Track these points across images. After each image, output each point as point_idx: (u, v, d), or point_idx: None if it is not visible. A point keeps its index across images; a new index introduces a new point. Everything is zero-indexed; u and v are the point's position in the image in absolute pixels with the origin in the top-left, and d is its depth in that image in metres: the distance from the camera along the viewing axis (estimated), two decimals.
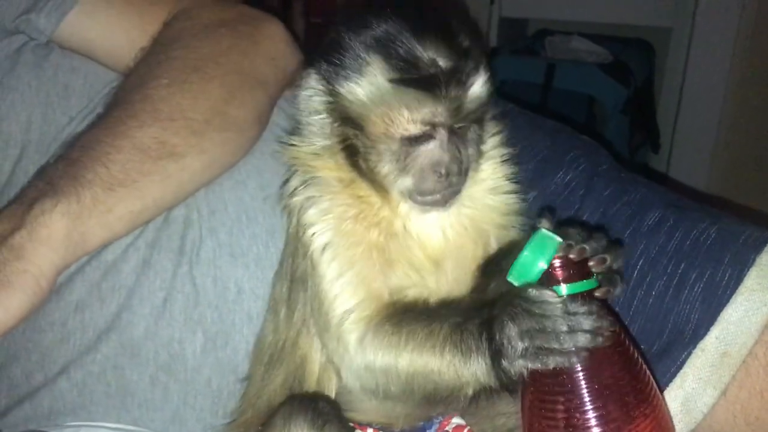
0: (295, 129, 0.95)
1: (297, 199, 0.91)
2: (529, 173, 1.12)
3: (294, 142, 0.93)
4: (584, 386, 0.72)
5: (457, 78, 0.81)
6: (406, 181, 0.85)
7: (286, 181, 0.95)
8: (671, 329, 0.97)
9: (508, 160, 0.96)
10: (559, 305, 0.72)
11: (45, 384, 0.98)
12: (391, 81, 0.81)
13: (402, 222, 0.89)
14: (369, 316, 0.85)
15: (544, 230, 0.75)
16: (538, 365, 0.71)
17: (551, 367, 0.71)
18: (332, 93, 0.85)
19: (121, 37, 1.10)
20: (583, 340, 0.70)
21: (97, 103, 1.06)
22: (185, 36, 1.07)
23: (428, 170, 0.84)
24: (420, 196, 0.86)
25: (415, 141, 0.83)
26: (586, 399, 0.72)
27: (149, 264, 1.02)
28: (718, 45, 2.93)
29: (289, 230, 0.95)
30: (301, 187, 0.92)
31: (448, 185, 0.85)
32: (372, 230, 0.88)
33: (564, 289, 0.74)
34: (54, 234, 0.88)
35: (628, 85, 2.84)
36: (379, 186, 0.88)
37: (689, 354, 0.95)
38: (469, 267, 0.92)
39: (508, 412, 0.94)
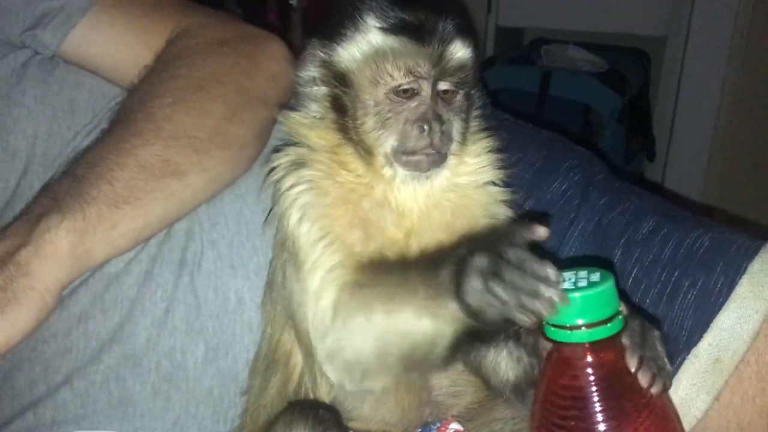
0: (295, 102, 0.98)
1: (281, 164, 0.94)
2: (525, 183, 1.14)
3: (291, 114, 0.96)
4: (596, 420, 0.71)
5: (440, 31, 0.87)
6: (390, 139, 0.88)
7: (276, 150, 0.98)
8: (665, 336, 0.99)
9: (496, 155, 0.97)
10: (527, 264, 0.68)
11: (48, 394, 0.98)
12: (380, 28, 0.86)
13: (383, 189, 0.91)
14: (346, 280, 0.85)
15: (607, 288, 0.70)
16: (487, 305, 0.69)
17: (493, 317, 0.69)
18: (328, 57, 0.91)
19: (125, 53, 1.12)
20: (535, 306, 0.66)
21: (101, 118, 1.08)
22: (188, 54, 1.09)
23: (410, 124, 0.87)
24: (404, 156, 0.88)
25: (399, 96, 0.87)
26: (597, 408, 0.71)
27: (151, 276, 1.03)
28: (713, 54, 2.96)
29: (273, 207, 0.97)
30: (288, 151, 0.94)
31: (430, 143, 0.87)
32: (351, 194, 0.90)
33: (586, 335, 0.70)
34: (59, 250, 0.90)
35: (623, 94, 2.85)
36: (365, 150, 0.90)
37: (683, 360, 0.96)
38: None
39: (505, 417, 0.95)
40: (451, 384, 0.95)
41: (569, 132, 1.67)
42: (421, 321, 0.78)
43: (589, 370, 0.71)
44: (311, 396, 0.95)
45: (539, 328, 0.74)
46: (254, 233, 1.09)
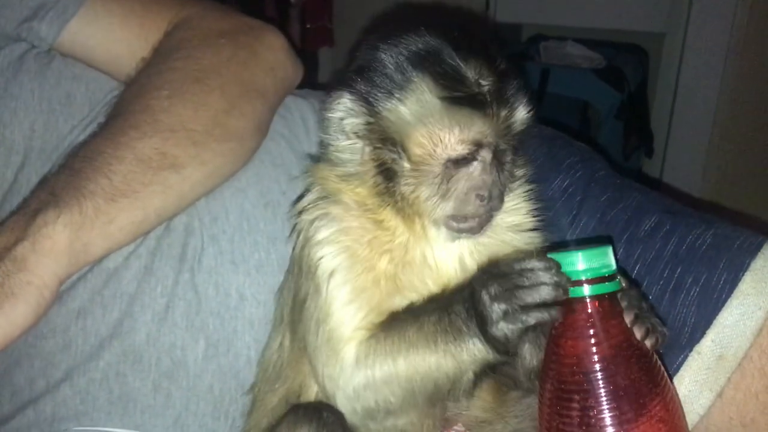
0: (323, 154, 0.93)
1: (307, 217, 0.91)
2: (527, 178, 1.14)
3: (321, 167, 0.92)
4: (600, 385, 0.74)
5: (505, 97, 0.82)
6: (447, 206, 0.84)
7: (300, 197, 0.95)
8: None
9: (532, 196, 0.96)
10: (520, 267, 0.75)
11: (47, 390, 0.98)
12: (442, 99, 0.80)
13: (421, 250, 0.89)
14: (364, 335, 0.85)
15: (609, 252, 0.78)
16: (518, 324, 0.73)
17: (530, 323, 0.73)
18: (370, 114, 0.84)
19: (122, 46, 1.11)
20: (545, 292, 0.73)
21: (98, 112, 1.07)
22: (186, 46, 1.08)
23: (471, 194, 0.83)
24: (456, 223, 0.85)
25: (458, 163, 0.82)
26: (602, 398, 0.74)
27: (151, 271, 1.02)
28: (712, 50, 2.96)
29: (295, 248, 0.95)
30: (317, 203, 0.91)
31: (489, 209, 0.85)
32: (384, 257, 0.87)
33: (587, 289, 0.76)
34: (57, 245, 0.89)
35: (622, 90, 2.85)
36: (407, 213, 0.87)
37: (686, 357, 0.96)
38: None
39: (508, 416, 0.95)
40: (462, 406, 0.98)
41: (567, 128, 1.67)
42: (444, 367, 0.80)
43: (591, 330, 0.76)
44: None
45: None
46: (255, 228, 1.09)
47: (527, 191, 0.96)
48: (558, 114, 2.65)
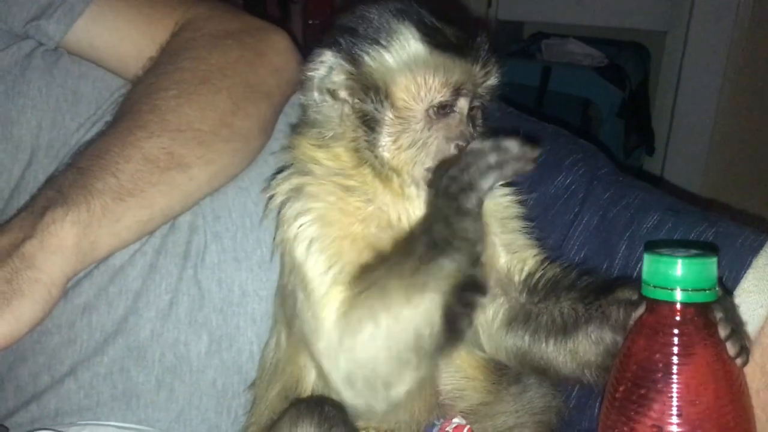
0: (302, 119, 0.96)
1: (281, 189, 0.92)
2: (529, 176, 1.13)
3: (300, 132, 0.94)
4: (677, 398, 0.72)
5: (483, 49, 0.86)
6: (427, 159, 0.86)
7: (278, 173, 0.96)
8: None
9: None
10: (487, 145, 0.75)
11: (52, 385, 0.99)
12: (426, 44, 0.83)
13: (398, 211, 0.90)
14: (344, 288, 0.84)
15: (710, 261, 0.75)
16: (488, 181, 0.75)
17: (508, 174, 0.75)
18: (354, 65, 0.87)
19: (128, 45, 1.12)
20: (513, 165, 0.75)
21: (105, 110, 1.08)
22: (193, 47, 1.08)
23: (450, 143, 0.86)
24: None
25: (438, 112, 0.85)
26: (679, 414, 0.71)
27: (155, 268, 1.03)
28: (713, 48, 2.96)
29: (275, 235, 0.95)
30: (290, 177, 0.92)
31: (472, 135, 0.87)
32: (362, 221, 0.89)
33: (679, 295, 0.74)
34: (64, 243, 0.90)
35: (623, 88, 2.86)
36: (385, 171, 0.88)
37: None
38: None
39: (508, 410, 0.95)
40: (456, 387, 0.96)
41: (569, 126, 1.67)
42: (413, 298, 0.78)
43: (677, 336, 0.73)
44: None
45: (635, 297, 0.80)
46: (258, 225, 1.09)
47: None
48: (559, 112, 2.65)
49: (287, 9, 3.26)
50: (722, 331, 0.74)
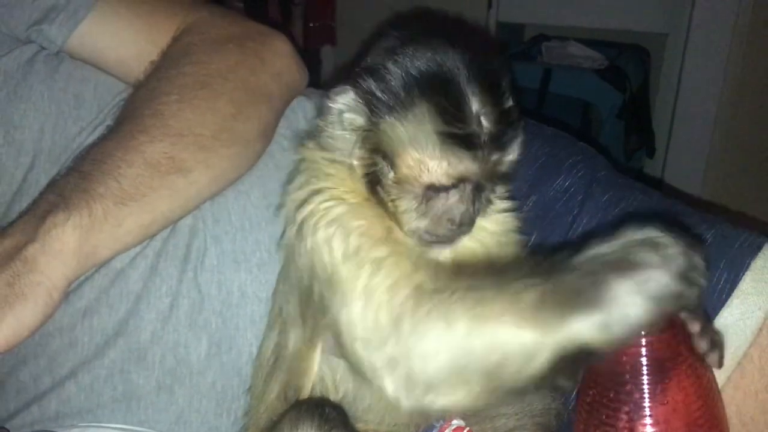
0: (314, 134, 0.95)
1: (299, 194, 0.91)
2: (528, 179, 1.14)
3: (311, 146, 0.94)
4: (649, 399, 0.72)
5: (499, 145, 0.83)
6: (420, 223, 0.86)
7: (290, 179, 0.96)
8: None
9: (510, 209, 0.98)
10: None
11: (52, 388, 0.99)
12: (438, 133, 0.81)
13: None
14: (411, 292, 0.76)
15: None
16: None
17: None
18: (369, 119, 0.86)
19: (130, 49, 1.12)
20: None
21: (107, 114, 1.08)
22: (194, 51, 1.09)
23: (444, 219, 0.86)
24: (428, 237, 0.88)
25: (438, 190, 0.85)
26: (651, 415, 0.72)
27: (156, 271, 1.03)
28: (714, 51, 2.96)
29: (286, 235, 0.94)
30: (305, 184, 0.92)
31: (459, 233, 0.87)
32: (380, 223, 0.88)
33: None
34: (66, 247, 0.90)
35: (623, 91, 2.85)
36: (389, 213, 0.89)
37: None
38: None
39: (508, 413, 0.95)
40: None
41: (569, 128, 1.68)
42: (524, 332, 0.67)
43: (643, 337, 0.72)
44: None
45: None
46: (257, 228, 1.10)
47: (506, 207, 0.98)
48: (560, 114, 2.65)
49: (288, 12, 3.26)
50: (692, 328, 0.75)
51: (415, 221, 0.87)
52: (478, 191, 0.87)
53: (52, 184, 0.99)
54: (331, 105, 0.89)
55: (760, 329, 0.94)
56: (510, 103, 0.85)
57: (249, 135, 1.08)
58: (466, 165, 0.82)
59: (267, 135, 1.12)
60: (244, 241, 1.08)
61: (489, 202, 0.93)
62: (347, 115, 0.88)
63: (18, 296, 0.87)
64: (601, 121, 2.82)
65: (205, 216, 1.08)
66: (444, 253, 0.91)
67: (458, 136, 0.81)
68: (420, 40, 0.86)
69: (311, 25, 3.45)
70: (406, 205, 0.86)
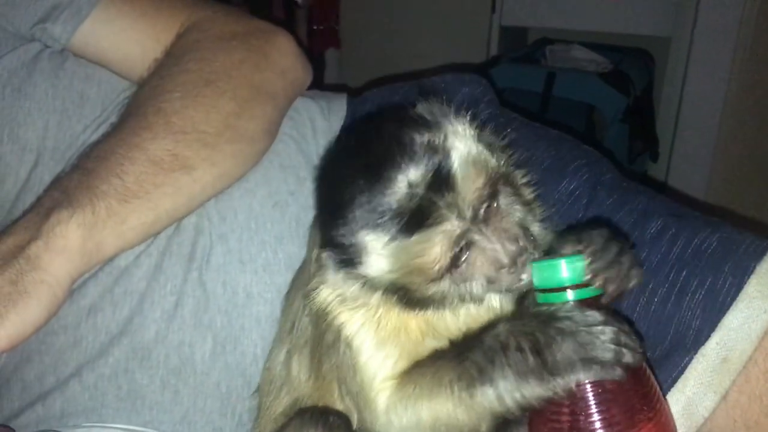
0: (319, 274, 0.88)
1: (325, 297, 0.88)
2: (533, 181, 1.14)
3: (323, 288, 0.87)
4: (589, 390, 0.74)
5: (447, 184, 0.76)
6: (477, 285, 0.82)
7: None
8: (673, 335, 0.99)
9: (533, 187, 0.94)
10: (603, 322, 0.73)
11: (57, 386, 0.99)
12: (392, 241, 0.76)
13: (453, 320, 0.87)
14: (395, 383, 0.84)
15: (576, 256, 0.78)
16: (589, 376, 0.71)
17: (598, 377, 0.72)
18: (359, 279, 0.82)
19: (134, 47, 1.12)
20: (629, 356, 0.72)
21: (111, 112, 1.08)
22: (198, 48, 1.09)
23: (492, 270, 0.80)
24: (495, 285, 0.82)
25: (458, 261, 0.79)
26: (591, 403, 0.74)
27: (161, 270, 1.03)
28: (718, 55, 2.95)
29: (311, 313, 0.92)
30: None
31: (522, 261, 0.80)
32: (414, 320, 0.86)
33: (570, 294, 0.77)
34: (70, 244, 0.91)
35: (627, 94, 2.85)
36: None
37: (690, 359, 0.97)
38: None
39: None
40: None
41: (573, 132, 1.67)
42: (459, 414, 0.78)
43: None
44: None
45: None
46: (263, 228, 1.10)
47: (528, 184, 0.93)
48: (563, 118, 2.65)
49: (292, 14, 3.27)
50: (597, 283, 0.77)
51: (469, 292, 0.82)
52: (494, 214, 0.80)
53: (55, 182, 0.99)
54: (322, 272, 0.84)
55: (765, 333, 0.94)
56: (443, 140, 0.78)
57: (253, 132, 1.08)
58: (440, 234, 0.76)
59: (271, 132, 1.12)
60: (249, 241, 1.09)
61: (525, 202, 0.86)
62: (343, 279, 0.83)
63: (22, 294, 0.87)
64: (605, 125, 2.81)
65: (211, 214, 1.08)
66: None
67: (409, 226, 0.75)
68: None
69: (315, 27, 3.46)
70: (449, 295, 0.82)
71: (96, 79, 1.11)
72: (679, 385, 0.96)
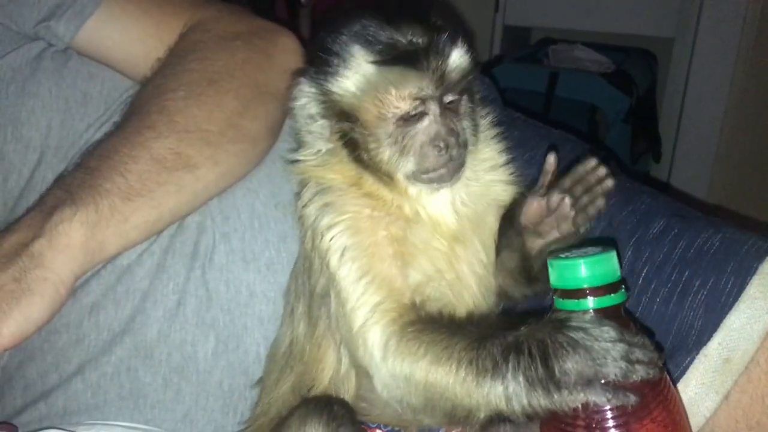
0: (297, 142, 0.97)
1: (311, 209, 0.93)
2: (536, 181, 1.14)
3: (299, 157, 0.95)
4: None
5: (435, 49, 0.84)
6: (408, 163, 0.87)
7: (298, 194, 0.97)
8: (675, 335, 0.99)
9: (499, 136, 0.99)
10: (616, 337, 0.71)
11: (60, 384, 0.99)
12: (374, 63, 0.84)
13: (413, 207, 0.91)
14: (392, 318, 0.85)
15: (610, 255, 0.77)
16: (601, 398, 0.70)
17: (603, 403, 0.71)
18: (324, 93, 0.88)
19: (137, 46, 1.12)
20: (642, 371, 0.70)
21: (114, 111, 1.09)
22: (201, 48, 1.09)
23: (427, 146, 0.87)
24: (425, 175, 0.88)
25: (408, 120, 0.86)
26: (607, 416, 0.72)
27: (163, 268, 1.04)
28: (720, 55, 2.96)
29: (304, 243, 0.96)
30: (314, 197, 0.93)
31: (449, 159, 0.87)
32: (387, 225, 0.90)
33: (590, 302, 0.75)
34: (73, 242, 0.91)
35: (630, 95, 2.85)
36: (384, 176, 0.90)
37: (692, 359, 0.97)
38: (486, 242, 0.94)
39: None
40: None
41: (576, 132, 1.67)
42: (459, 394, 0.77)
43: None
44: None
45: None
46: (266, 227, 1.10)
47: (495, 134, 0.99)
48: (566, 118, 2.65)
49: (295, 12, 3.27)
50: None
51: (402, 164, 0.88)
52: (450, 111, 0.88)
53: (59, 180, 0.99)
54: (294, 104, 0.92)
55: (767, 333, 0.94)
56: (439, 21, 0.87)
57: (256, 132, 1.08)
58: (412, 81, 0.84)
59: (274, 132, 1.13)
60: (253, 240, 1.09)
61: (473, 120, 0.93)
62: (309, 104, 0.90)
63: (25, 291, 0.88)
64: (608, 125, 2.81)
65: (213, 213, 1.08)
66: (450, 198, 0.91)
67: (393, 58, 0.83)
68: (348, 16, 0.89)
69: (318, 26, 3.46)
70: (387, 150, 0.88)
71: (99, 78, 1.12)
72: (680, 385, 0.97)
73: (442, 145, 0.86)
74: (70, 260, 0.92)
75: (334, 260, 0.89)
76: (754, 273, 0.97)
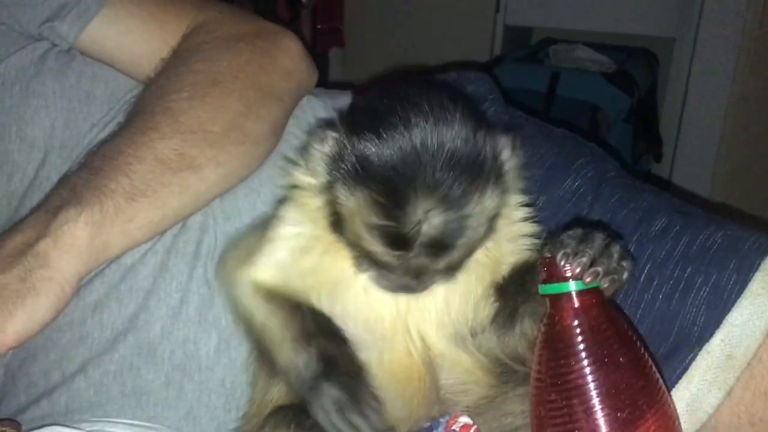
0: (299, 156, 0.93)
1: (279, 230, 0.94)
2: (537, 179, 1.14)
3: (295, 175, 0.93)
4: (594, 387, 0.74)
5: (437, 248, 0.79)
6: (371, 272, 0.86)
7: (280, 203, 0.97)
8: (677, 332, 0.99)
9: (526, 203, 0.93)
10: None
11: (62, 382, 0.99)
12: (367, 225, 0.80)
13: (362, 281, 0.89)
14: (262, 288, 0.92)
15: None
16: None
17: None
18: (330, 175, 0.84)
19: (141, 47, 1.13)
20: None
21: (117, 111, 1.09)
22: (205, 49, 1.10)
23: (388, 279, 0.85)
24: (380, 285, 0.87)
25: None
26: (596, 399, 0.74)
27: (166, 267, 1.04)
28: (722, 55, 2.96)
29: None
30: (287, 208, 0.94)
31: (418, 287, 0.85)
32: (332, 265, 0.89)
33: (573, 285, 0.77)
34: (78, 242, 0.91)
35: (631, 94, 2.85)
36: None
37: (695, 356, 0.97)
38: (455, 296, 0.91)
39: (515, 411, 0.95)
40: (458, 382, 0.95)
41: (577, 131, 1.68)
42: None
43: (577, 321, 0.76)
44: None
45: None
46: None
47: (522, 203, 0.93)
48: (567, 117, 2.63)
49: (297, 13, 3.27)
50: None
51: (365, 269, 0.86)
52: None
53: (63, 180, 1.00)
54: (313, 144, 0.86)
55: None
56: (467, 194, 0.77)
57: (259, 133, 1.09)
58: (393, 260, 0.81)
59: (277, 133, 1.13)
60: None
61: (490, 225, 0.85)
62: (320, 161, 0.86)
63: (30, 291, 0.88)
64: (609, 125, 2.81)
65: (216, 213, 1.08)
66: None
67: (388, 233, 0.78)
68: (405, 112, 0.79)
69: (319, 27, 3.46)
70: (357, 254, 0.86)
71: (103, 79, 1.12)
72: (683, 381, 0.97)
73: (396, 290, 0.86)
74: (75, 260, 0.92)
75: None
76: (756, 270, 0.97)
